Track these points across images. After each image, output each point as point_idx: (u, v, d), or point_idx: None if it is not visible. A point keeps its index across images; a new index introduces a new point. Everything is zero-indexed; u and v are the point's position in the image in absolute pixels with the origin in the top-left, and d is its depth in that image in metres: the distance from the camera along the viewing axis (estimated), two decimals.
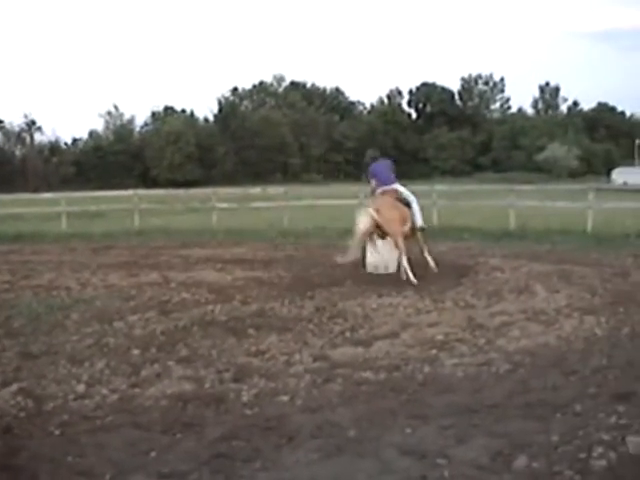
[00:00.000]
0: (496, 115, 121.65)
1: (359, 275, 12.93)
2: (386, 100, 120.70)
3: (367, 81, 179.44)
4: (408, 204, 13.26)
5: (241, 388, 6.65)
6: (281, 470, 4.90)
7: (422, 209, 13.72)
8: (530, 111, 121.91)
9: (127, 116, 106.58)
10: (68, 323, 9.52)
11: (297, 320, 9.47)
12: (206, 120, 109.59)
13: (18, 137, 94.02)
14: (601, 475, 4.55)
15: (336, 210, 24.50)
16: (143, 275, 13.59)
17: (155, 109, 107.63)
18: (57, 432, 5.69)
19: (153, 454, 5.21)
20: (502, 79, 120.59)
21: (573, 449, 4.90)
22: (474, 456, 4.92)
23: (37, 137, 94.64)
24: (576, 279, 12.23)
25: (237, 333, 8.77)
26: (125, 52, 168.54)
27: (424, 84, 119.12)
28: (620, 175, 72.62)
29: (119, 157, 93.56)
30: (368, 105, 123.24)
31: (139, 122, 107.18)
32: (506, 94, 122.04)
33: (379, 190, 13.40)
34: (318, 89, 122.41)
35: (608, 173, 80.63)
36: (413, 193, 13.86)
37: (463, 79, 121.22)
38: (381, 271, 13.16)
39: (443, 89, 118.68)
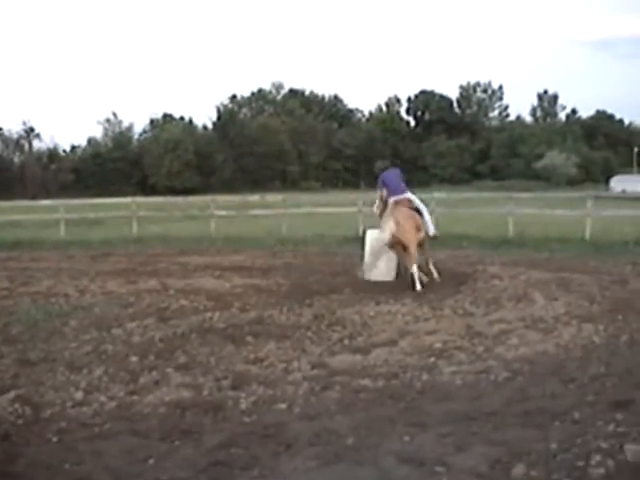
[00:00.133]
0: (495, 123, 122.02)
1: (357, 283, 12.95)
2: (385, 108, 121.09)
3: (366, 89, 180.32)
4: (420, 212, 13.33)
5: (239, 396, 6.64)
6: (279, 478, 4.90)
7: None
8: (529, 119, 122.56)
9: (126, 123, 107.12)
10: (66, 330, 9.50)
11: (295, 328, 9.46)
12: (205, 127, 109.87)
13: (17, 144, 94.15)
14: None
15: (335, 218, 24.54)
16: (141, 282, 13.58)
17: (154, 116, 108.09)
18: (55, 439, 5.67)
19: (151, 461, 5.20)
20: (500, 87, 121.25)
21: (571, 457, 4.90)
22: (473, 464, 4.91)
23: (36, 144, 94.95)
24: (575, 287, 12.23)
25: (235, 340, 8.76)
26: (124, 59, 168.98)
27: (423, 92, 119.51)
28: (618, 183, 72.82)
29: (118, 164, 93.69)
30: (367, 113, 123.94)
31: (138, 129, 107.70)
32: (504, 102, 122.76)
33: (392, 200, 13.37)
34: (317, 97, 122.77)
35: (606, 181, 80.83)
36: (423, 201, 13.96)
37: (462, 87, 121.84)
38: (379, 278, 13.17)
39: (442, 97, 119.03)
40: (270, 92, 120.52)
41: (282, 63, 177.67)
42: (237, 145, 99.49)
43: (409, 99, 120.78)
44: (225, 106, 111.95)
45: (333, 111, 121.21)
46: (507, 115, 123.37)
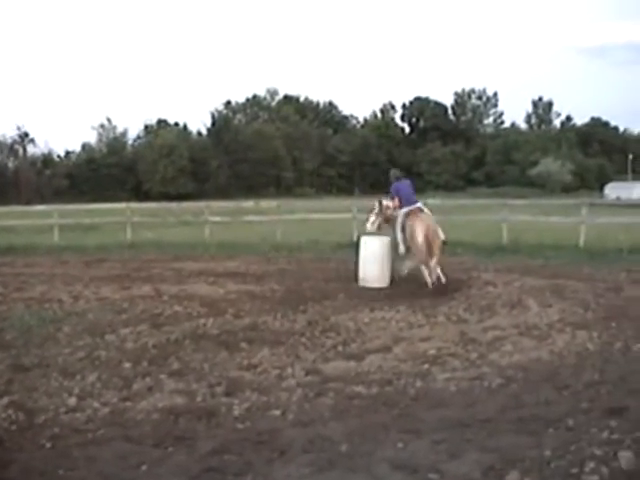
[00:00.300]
0: (489, 130, 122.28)
1: (351, 289, 12.98)
2: (379, 114, 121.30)
3: (360, 95, 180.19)
4: None
5: (233, 402, 6.64)
6: None
7: None
8: (523, 126, 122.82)
9: (120, 129, 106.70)
10: (60, 336, 9.49)
11: (289, 334, 9.47)
12: (199, 133, 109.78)
13: (11, 149, 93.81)
14: None
15: (329, 224, 24.51)
16: (135, 288, 13.57)
17: (148, 122, 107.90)
18: (48, 445, 5.67)
19: (144, 468, 5.20)
20: (495, 94, 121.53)
21: (565, 464, 4.91)
22: (466, 471, 4.92)
23: (30, 149, 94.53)
24: (569, 294, 12.26)
25: (229, 347, 8.77)
26: (118, 65, 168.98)
27: (417, 98, 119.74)
28: (613, 190, 73.09)
29: (112, 170, 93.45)
30: (361, 119, 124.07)
31: (132, 135, 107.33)
32: (499, 109, 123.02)
33: (405, 210, 13.59)
34: (311, 103, 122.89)
35: (601, 188, 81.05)
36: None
37: (456, 93, 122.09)
38: (373, 285, 13.20)
39: (436, 103, 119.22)
40: (265, 98, 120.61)
41: (277, 69, 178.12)
42: (231, 151, 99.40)
43: (404, 105, 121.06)
44: (220, 112, 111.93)
45: (328, 117, 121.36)
46: (502, 122, 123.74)
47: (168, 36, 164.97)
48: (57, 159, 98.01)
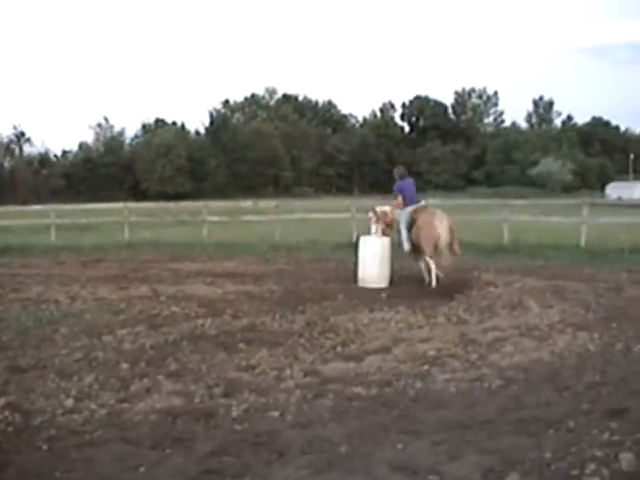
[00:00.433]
0: (490, 129, 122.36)
1: (351, 289, 12.98)
2: (379, 113, 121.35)
3: (360, 94, 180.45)
4: None
5: (231, 403, 6.65)
6: None
7: None
8: (524, 125, 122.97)
9: (117, 128, 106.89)
10: (57, 337, 9.49)
11: (288, 335, 9.47)
12: (197, 133, 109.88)
13: (7, 148, 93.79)
14: None
15: (328, 224, 24.53)
16: (133, 288, 13.57)
17: (146, 121, 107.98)
18: (45, 447, 5.67)
19: (142, 469, 5.20)
20: (496, 93, 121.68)
21: (566, 466, 4.91)
22: (466, 473, 4.93)
23: (26, 149, 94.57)
24: (569, 294, 12.26)
25: (227, 348, 8.77)
26: (116, 63, 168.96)
27: (417, 97, 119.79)
28: (614, 190, 73.12)
29: (109, 169, 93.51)
30: (361, 118, 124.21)
31: (129, 134, 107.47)
32: (500, 108, 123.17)
33: (409, 208, 13.72)
34: (310, 102, 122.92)
35: (602, 188, 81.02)
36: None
37: (456, 92, 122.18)
38: (373, 285, 13.21)
39: (436, 102, 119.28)
40: (263, 97, 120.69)
41: (275, 68, 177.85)
42: (230, 150, 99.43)
43: (404, 105, 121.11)
44: (218, 111, 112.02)
45: (327, 116, 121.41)
46: (502, 121, 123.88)
47: (166, 34, 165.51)
48: (54, 159, 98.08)
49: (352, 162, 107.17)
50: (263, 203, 31.12)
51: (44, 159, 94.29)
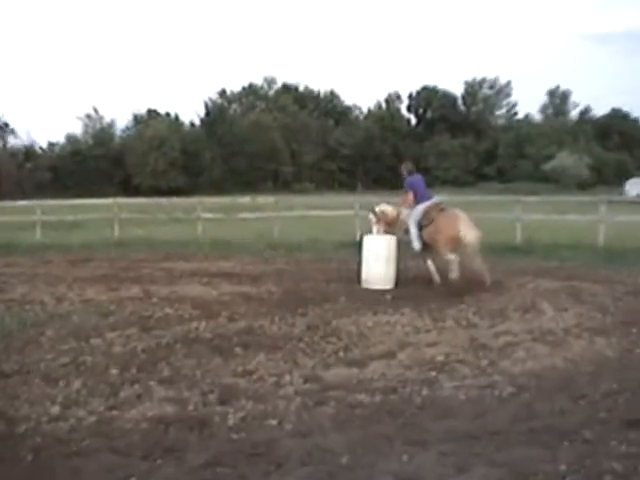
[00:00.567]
0: (501, 121, 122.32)
1: (354, 291, 12.98)
2: (384, 105, 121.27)
3: (364, 84, 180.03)
4: None
5: (227, 411, 6.64)
6: None
7: None
8: (538, 117, 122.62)
9: (107, 119, 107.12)
10: (42, 340, 9.48)
11: (287, 339, 9.46)
12: (192, 124, 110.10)
13: None
14: None
15: (330, 222, 24.54)
16: (123, 289, 13.58)
17: (137, 112, 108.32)
18: (30, 456, 5.66)
19: None
20: (508, 83, 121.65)
21: (581, 479, 4.91)
22: None
23: (10, 140, 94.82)
24: (586, 297, 12.26)
25: (223, 352, 8.76)
26: (106, 51, 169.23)
27: (425, 88, 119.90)
28: (634, 186, 72.96)
29: (99, 163, 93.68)
30: (365, 110, 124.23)
31: (120, 126, 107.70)
32: (512, 99, 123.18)
33: (422, 206, 13.79)
34: (312, 92, 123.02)
35: (621, 184, 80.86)
36: None
37: (466, 83, 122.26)
38: (377, 286, 13.21)
39: (445, 93, 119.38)
40: (262, 87, 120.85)
41: (275, 56, 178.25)
42: (226, 143, 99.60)
43: (410, 95, 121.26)
44: (214, 102, 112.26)
45: (329, 108, 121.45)
46: (515, 113, 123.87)
47: (159, 21, 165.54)
48: (39, 151, 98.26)
49: (355, 156, 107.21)
50: (261, 199, 31.21)
51: (29, 151, 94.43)
